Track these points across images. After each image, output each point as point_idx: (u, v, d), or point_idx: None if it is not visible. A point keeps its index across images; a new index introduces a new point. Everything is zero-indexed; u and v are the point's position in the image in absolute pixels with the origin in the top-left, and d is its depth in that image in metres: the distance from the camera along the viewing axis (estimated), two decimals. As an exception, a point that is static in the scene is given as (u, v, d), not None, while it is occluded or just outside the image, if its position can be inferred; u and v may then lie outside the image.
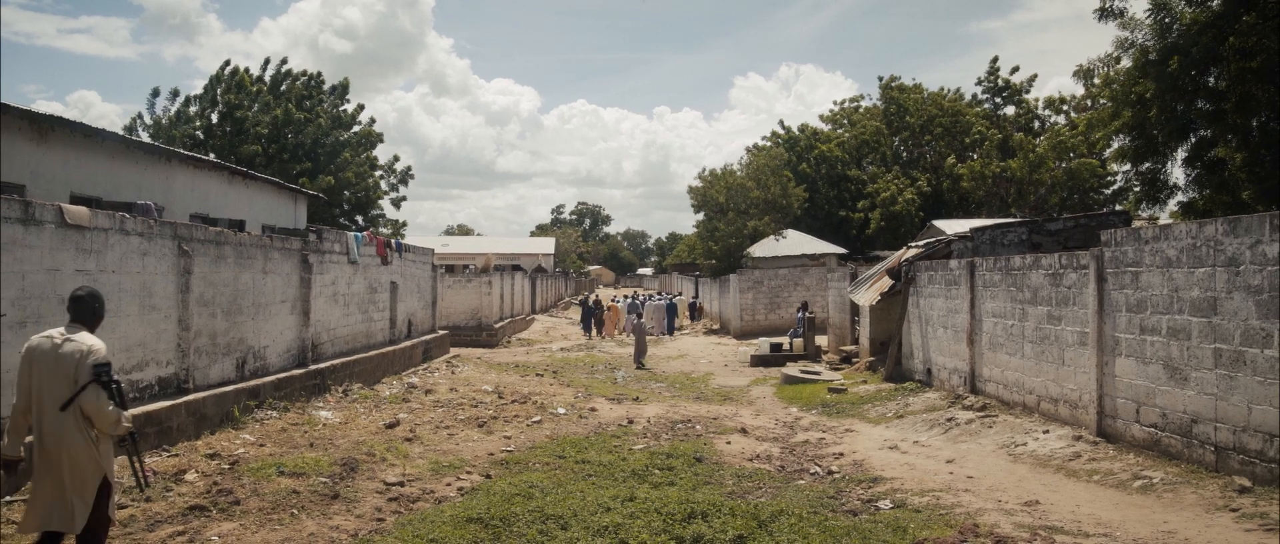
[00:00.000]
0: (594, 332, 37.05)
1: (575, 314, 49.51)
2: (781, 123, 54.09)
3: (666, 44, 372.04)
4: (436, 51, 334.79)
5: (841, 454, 10.44)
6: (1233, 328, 7.82)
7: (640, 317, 28.36)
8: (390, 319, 19.08)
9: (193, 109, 34.18)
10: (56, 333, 5.14)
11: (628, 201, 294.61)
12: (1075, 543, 6.40)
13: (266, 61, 35.78)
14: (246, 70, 35.05)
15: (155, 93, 46.91)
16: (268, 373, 12.65)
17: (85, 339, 5.11)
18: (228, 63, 34.89)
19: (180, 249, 10.50)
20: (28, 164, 13.05)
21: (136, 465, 5.51)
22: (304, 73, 36.65)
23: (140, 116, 34.22)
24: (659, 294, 53.84)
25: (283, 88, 35.53)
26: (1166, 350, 8.74)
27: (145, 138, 31.16)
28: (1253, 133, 18.45)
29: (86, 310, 5.29)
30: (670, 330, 37.11)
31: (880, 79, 52.68)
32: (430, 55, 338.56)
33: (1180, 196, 21.67)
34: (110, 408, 5.07)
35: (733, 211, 41.52)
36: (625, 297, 47.67)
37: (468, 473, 9.16)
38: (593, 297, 46.51)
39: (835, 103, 59.06)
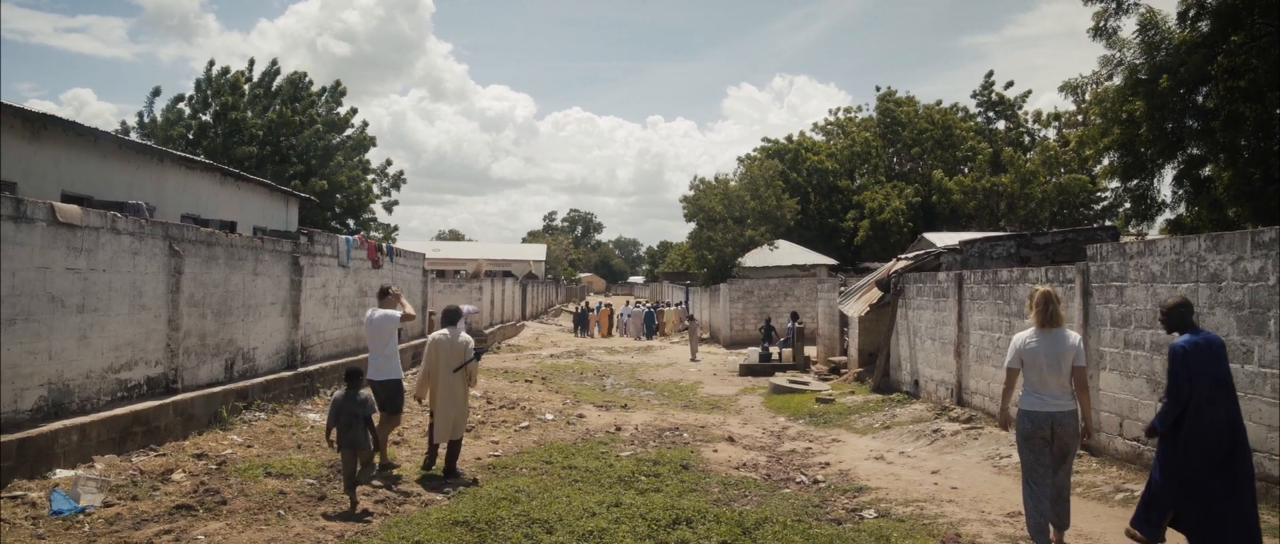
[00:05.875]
0: (584, 333, 40.65)
1: (565, 321, 51.83)
2: (788, 138, 54.87)
3: (661, 53, 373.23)
4: (435, 56, 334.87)
5: (827, 463, 10.49)
6: (1214, 343, 7.89)
7: (693, 320, 31.89)
8: (380, 323, 19.05)
9: (183, 106, 34.07)
10: (447, 331, 9.03)
11: (621, 209, 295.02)
12: (1056, 554, 6.45)
13: (251, 62, 35.57)
14: (240, 72, 34.96)
15: (156, 92, 46.84)
16: (256, 374, 12.65)
17: (464, 335, 9.10)
18: (212, 63, 34.82)
19: (171, 249, 10.51)
20: (20, 162, 13.05)
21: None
22: (296, 73, 36.55)
23: (140, 116, 34.18)
24: (638, 303, 55.94)
25: (275, 88, 35.43)
26: (1150, 365, 8.82)
27: (140, 139, 31.08)
28: (1241, 151, 18.64)
29: (454, 317, 9.18)
30: (649, 335, 39.66)
31: (877, 89, 52.71)
32: (429, 60, 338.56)
33: (1169, 213, 21.89)
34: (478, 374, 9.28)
35: (729, 220, 41.75)
36: (633, 303, 50.07)
37: (455, 477, 9.18)
38: (595, 303, 49.01)
39: (831, 110, 59.32)
